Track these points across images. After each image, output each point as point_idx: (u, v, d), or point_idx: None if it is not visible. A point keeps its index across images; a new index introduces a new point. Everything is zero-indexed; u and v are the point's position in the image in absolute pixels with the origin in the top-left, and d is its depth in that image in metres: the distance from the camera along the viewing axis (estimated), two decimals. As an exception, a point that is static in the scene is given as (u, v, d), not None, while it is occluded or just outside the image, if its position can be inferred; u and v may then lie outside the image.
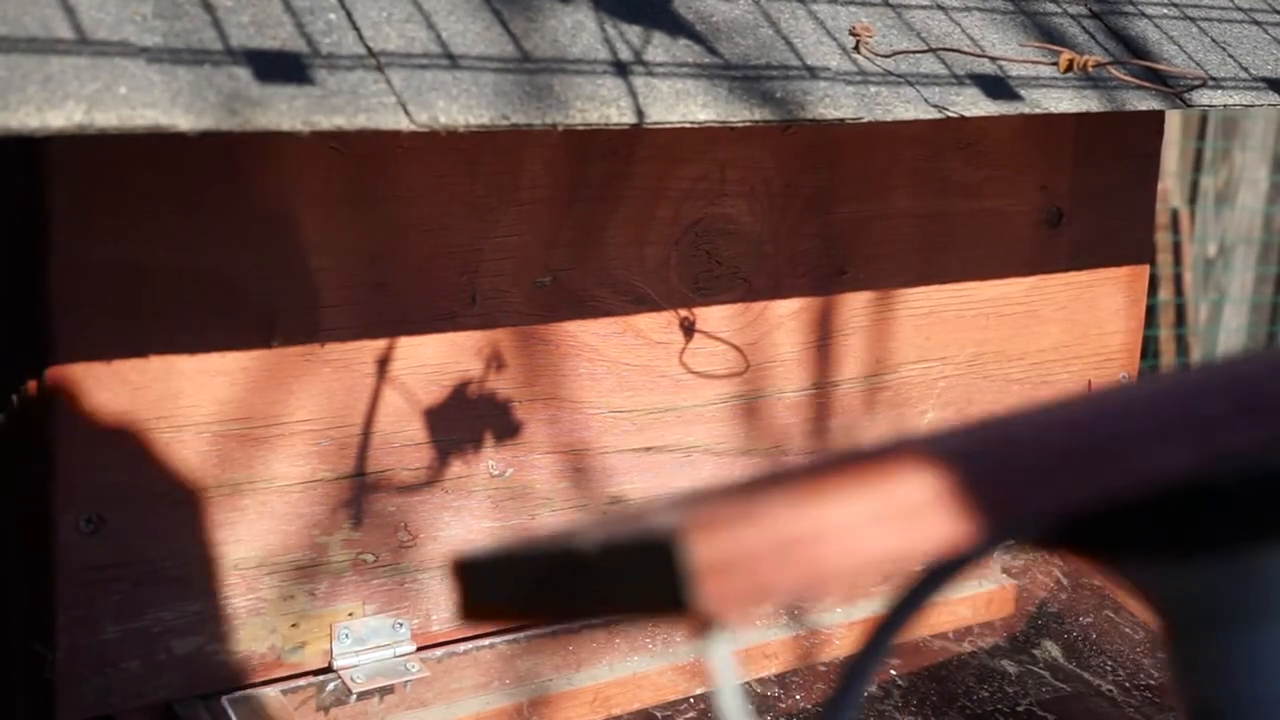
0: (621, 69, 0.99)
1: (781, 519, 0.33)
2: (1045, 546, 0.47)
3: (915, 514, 0.34)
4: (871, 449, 0.37)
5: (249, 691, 1.13)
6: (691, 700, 1.31)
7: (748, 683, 1.35)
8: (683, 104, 1.00)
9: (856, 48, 1.13)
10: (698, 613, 0.35)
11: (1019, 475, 0.35)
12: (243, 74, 0.84)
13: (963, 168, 1.39)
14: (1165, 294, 3.92)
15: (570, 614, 0.42)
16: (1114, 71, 1.23)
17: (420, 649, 1.20)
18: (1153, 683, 1.35)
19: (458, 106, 0.90)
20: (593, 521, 0.41)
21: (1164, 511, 0.42)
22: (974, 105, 1.14)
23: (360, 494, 1.15)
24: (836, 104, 1.07)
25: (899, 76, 1.12)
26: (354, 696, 1.16)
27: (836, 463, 0.35)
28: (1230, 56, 1.34)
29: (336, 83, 0.87)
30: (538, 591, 0.42)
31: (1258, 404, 0.40)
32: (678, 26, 1.05)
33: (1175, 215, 3.94)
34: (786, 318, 1.32)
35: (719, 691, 0.39)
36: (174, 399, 1.06)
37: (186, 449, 1.07)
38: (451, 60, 0.93)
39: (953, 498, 0.34)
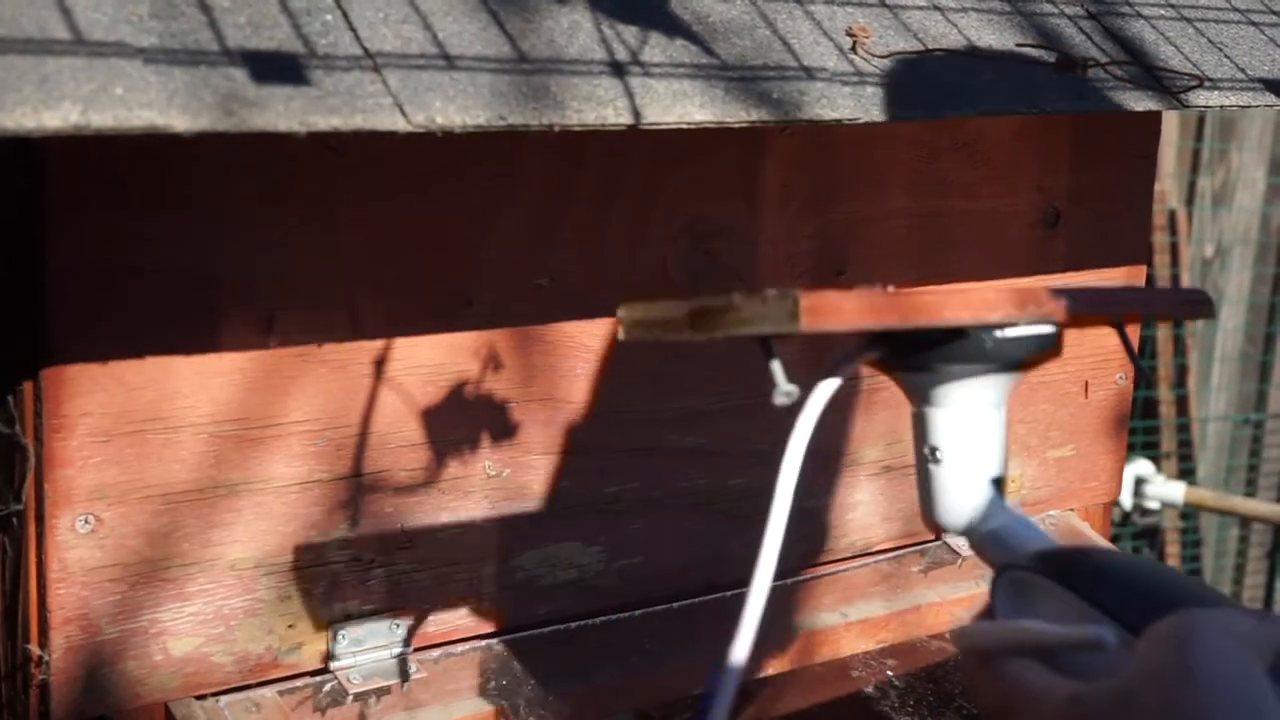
0: (618, 69, 0.99)
1: (831, 297, 0.74)
2: (876, 364, 0.85)
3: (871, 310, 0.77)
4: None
5: (246, 692, 1.13)
6: (689, 700, 1.31)
7: (745, 683, 1.35)
8: (680, 105, 1.00)
9: (853, 48, 1.13)
10: (798, 327, 0.72)
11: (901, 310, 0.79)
12: (239, 75, 0.84)
13: (960, 168, 1.39)
14: (1163, 294, 3.92)
15: (712, 329, 0.75)
16: (1111, 72, 1.23)
17: (417, 649, 1.20)
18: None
19: (454, 107, 0.90)
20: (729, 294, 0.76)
21: (921, 345, 0.83)
22: (971, 106, 1.14)
23: (357, 495, 1.15)
24: (833, 104, 1.07)
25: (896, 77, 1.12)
26: (351, 697, 1.16)
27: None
28: (1227, 57, 1.34)
29: (333, 83, 0.87)
30: (687, 316, 0.76)
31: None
32: (674, 27, 1.05)
33: (1173, 216, 3.94)
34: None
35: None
36: (171, 399, 1.06)
37: (183, 449, 1.07)
38: (448, 61, 0.93)
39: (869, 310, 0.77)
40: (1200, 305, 0.98)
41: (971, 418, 0.86)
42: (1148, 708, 0.65)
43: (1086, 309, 0.91)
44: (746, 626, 0.80)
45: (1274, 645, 0.69)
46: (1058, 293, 0.87)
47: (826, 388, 0.81)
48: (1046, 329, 0.86)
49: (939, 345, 0.83)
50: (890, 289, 0.82)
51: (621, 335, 0.81)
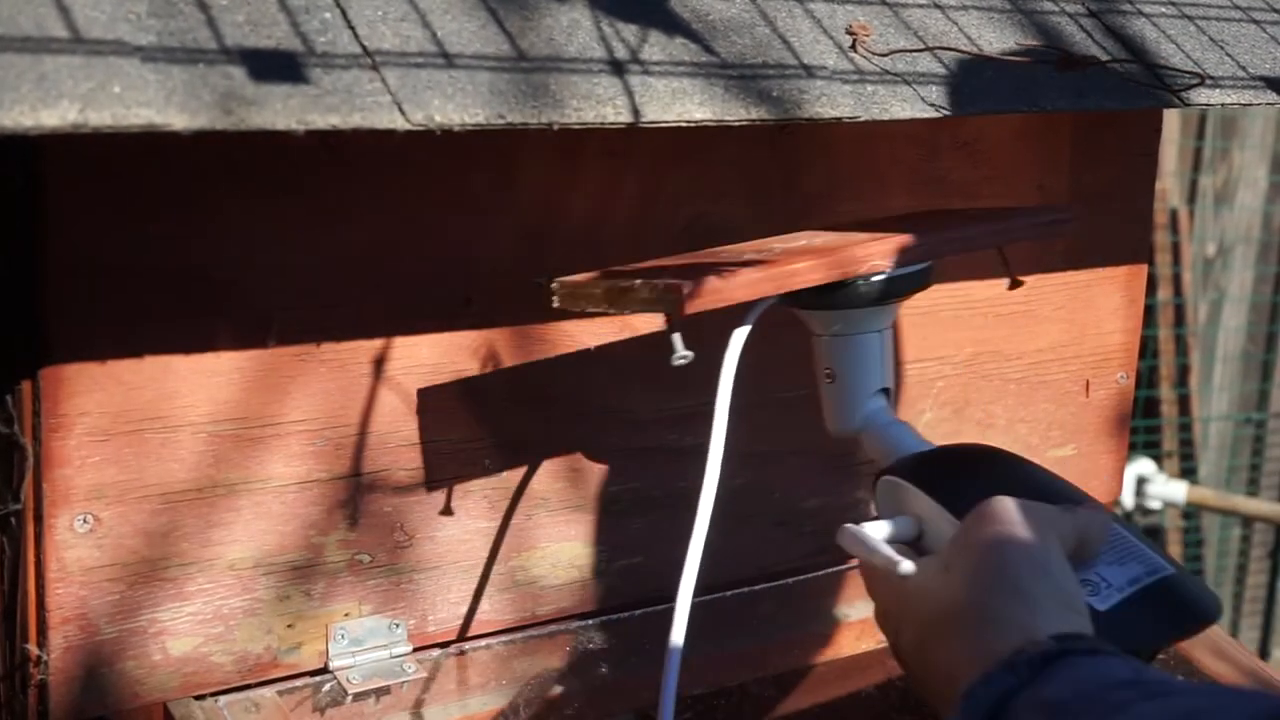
0: (618, 68, 0.99)
1: (712, 285, 0.94)
2: (781, 303, 1.00)
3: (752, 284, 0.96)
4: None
5: (245, 692, 1.13)
6: (689, 700, 1.30)
7: (746, 683, 1.35)
8: (679, 103, 0.99)
9: (853, 46, 1.13)
10: (683, 312, 0.91)
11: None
12: (237, 73, 0.84)
13: (960, 167, 1.39)
14: (1164, 294, 3.92)
15: (622, 306, 0.95)
16: (1112, 70, 1.23)
17: (417, 650, 1.20)
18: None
19: (453, 106, 0.90)
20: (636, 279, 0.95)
21: (817, 292, 0.99)
22: (971, 104, 1.14)
23: (356, 494, 1.15)
24: (833, 103, 1.07)
25: (896, 75, 1.12)
26: (350, 697, 1.16)
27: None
28: (1228, 55, 1.34)
29: (331, 82, 0.87)
30: (604, 293, 0.96)
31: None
32: (674, 25, 1.05)
33: (1174, 215, 3.94)
34: (786, 317, 1.32)
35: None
36: (169, 399, 1.06)
37: (182, 449, 1.07)
38: (447, 59, 0.93)
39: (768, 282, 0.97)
40: (1061, 223, 1.12)
41: (856, 344, 1.03)
42: (960, 572, 0.81)
43: (947, 249, 1.07)
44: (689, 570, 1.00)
45: (1076, 531, 0.86)
46: (919, 238, 1.02)
47: (740, 335, 0.99)
48: (915, 268, 1.03)
49: (825, 289, 1.00)
50: (772, 251, 1.00)
51: (555, 303, 1.00)
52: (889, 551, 0.89)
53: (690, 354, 0.92)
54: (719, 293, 0.93)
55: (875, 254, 0.99)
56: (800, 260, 0.98)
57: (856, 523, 0.94)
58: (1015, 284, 1.10)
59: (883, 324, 1.04)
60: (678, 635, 0.96)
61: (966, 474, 0.96)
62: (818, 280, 0.98)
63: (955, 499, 0.91)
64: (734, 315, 0.99)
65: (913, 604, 0.85)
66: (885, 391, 1.04)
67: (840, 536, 0.93)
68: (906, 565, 0.87)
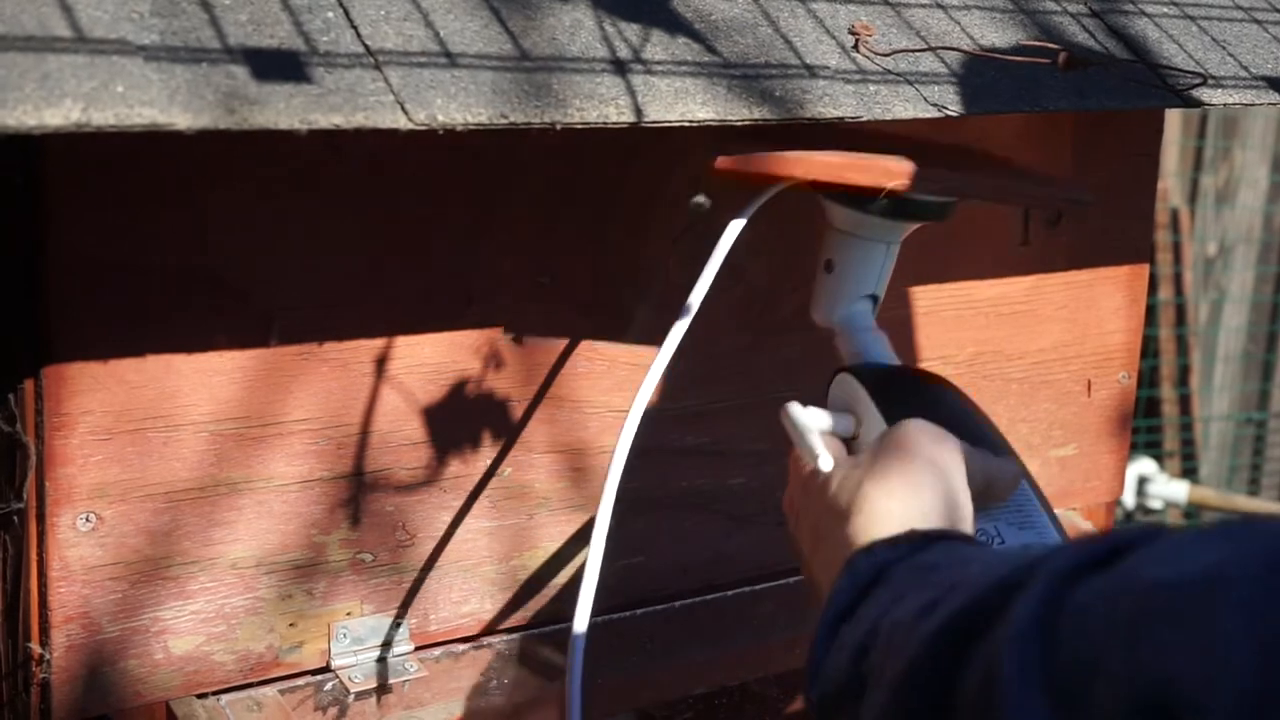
0: (620, 67, 0.99)
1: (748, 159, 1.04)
2: (819, 188, 1.06)
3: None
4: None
5: (247, 691, 1.13)
6: (690, 700, 1.31)
7: (747, 682, 1.35)
8: (681, 102, 0.99)
9: (856, 46, 1.13)
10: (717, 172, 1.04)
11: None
12: (240, 72, 0.84)
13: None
14: (1165, 293, 3.92)
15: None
16: (1114, 70, 1.23)
17: (418, 649, 1.20)
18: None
19: (456, 105, 0.90)
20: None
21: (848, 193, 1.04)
22: (974, 104, 1.14)
23: (358, 493, 1.15)
24: (835, 103, 1.07)
25: (898, 75, 1.12)
26: (352, 696, 1.16)
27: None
28: (1230, 55, 1.33)
29: (334, 81, 0.87)
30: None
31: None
32: (676, 25, 1.05)
33: (1175, 214, 3.94)
34: (787, 317, 1.32)
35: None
36: (171, 398, 1.06)
37: (184, 448, 1.07)
38: (450, 59, 0.93)
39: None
40: (1082, 204, 1.20)
41: (864, 247, 1.08)
42: (866, 472, 0.87)
43: (974, 193, 1.12)
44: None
45: (984, 473, 0.91)
46: (951, 173, 1.06)
47: (736, 225, 1.05)
48: (940, 199, 1.06)
49: (855, 190, 1.04)
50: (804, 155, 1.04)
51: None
52: (815, 441, 0.94)
53: (708, 200, 1.01)
54: (751, 165, 1.01)
55: (905, 174, 1.03)
56: (829, 159, 1.03)
57: (805, 405, 0.98)
58: (1026, 241, 1.16)
59: (895, 237, 1.09)
60: (580, 622, 0.99)
61: (912, 394, 1.02)
62: (848, 180, 1.02)
63: (893, 411, 0.97)
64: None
65: (818, 493, 0.91)
66: (874, 299, 1.10)
67: (782, 414, 0.98)
68: (825, 461, 0.92)
